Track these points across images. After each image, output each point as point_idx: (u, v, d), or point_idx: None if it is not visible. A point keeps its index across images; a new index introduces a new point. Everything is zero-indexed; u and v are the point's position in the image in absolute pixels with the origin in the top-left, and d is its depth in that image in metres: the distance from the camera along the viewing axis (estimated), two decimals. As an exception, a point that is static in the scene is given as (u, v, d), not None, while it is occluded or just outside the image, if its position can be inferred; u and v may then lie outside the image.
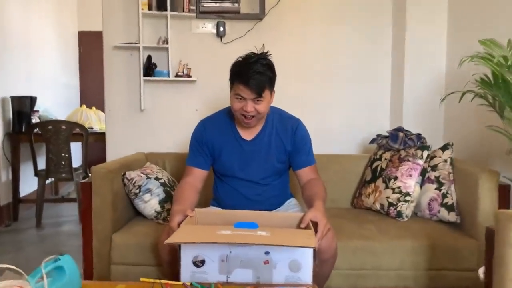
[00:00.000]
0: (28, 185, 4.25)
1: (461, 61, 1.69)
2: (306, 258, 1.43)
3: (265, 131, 1.94)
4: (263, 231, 1.46)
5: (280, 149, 1.94)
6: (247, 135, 1.93)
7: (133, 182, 2.26)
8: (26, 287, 1.15)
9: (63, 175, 3.86)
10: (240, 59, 1.81)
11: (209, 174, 2.00)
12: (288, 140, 1.94)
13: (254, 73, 1.72)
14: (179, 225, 1.57)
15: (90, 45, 5.99)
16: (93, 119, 4.53)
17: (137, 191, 2.26)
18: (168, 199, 2.32)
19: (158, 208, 2.28)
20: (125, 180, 2.27)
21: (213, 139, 1.95)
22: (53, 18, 5.29)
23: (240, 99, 1.77)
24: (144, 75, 2.90)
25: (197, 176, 1.93)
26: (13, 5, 4.22)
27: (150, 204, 2.28)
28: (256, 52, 1.83)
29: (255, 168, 1.94)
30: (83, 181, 2.23)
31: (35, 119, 4.10)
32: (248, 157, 1.93)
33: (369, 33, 3.11)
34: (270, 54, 1.83)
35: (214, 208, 2.03)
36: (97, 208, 2.12)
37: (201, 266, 1.45)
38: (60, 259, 1.28)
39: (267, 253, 1.44)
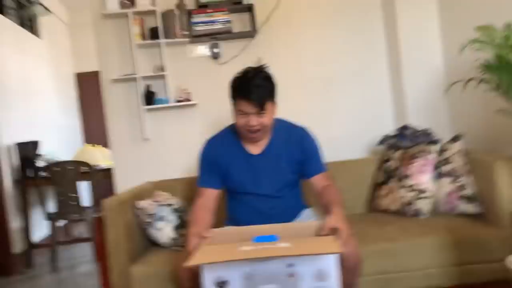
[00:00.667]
0: (39, 230, 4.21)
1: (462, 48, 1.67)
2: (331, 266, 1.39)
3: (273, 143, 1.91)
4: (284, 242, 1.42)
5: (290, 160, 1.92)
6: (254, 149, 1.91)
7: (145, 211, 2.23)
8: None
9: (74, 215, 3.82)
10: (239, 75, 1.81)
11: (221, 194, 1.97)
12: (297, 150, 1.92)
13: (253, 87, 1.72)
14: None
15: (88, 85, 6.05)
16: (98, 157, 4.53)
17: (150, 220, 2.23)
18: (182, 225, 2.28)
19: (173, 235, 2.24)
20: (137, 210, 2.24)
21: (221, 157, 1.93)
22: (49, 62, 5.36)
23: (243, 114, 1.76)
24: (145, 105, 2.90)
25: (209, 196, 1.90)
26: (9, 52, 4.27)
27: (164, 231, 2.24)
28: (253, 66, 1.83)
29: (267, 182, 1.91)
30: (94, 216, 2.20)
31: (40, 163, 4.09)
32: (258, 171, 1.90)
33: (361, 35, 3.11)
34: (267, 66, 1.82)
35: (226, 227, 1.99)
36: (112, 241, 2.09)
37: (224, 287, 1.40)
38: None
39: (290, 265, 1.39)
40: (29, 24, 5.19)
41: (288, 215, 1.95)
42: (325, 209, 1.77)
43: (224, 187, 1.99)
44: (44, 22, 5.38)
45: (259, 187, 1.91)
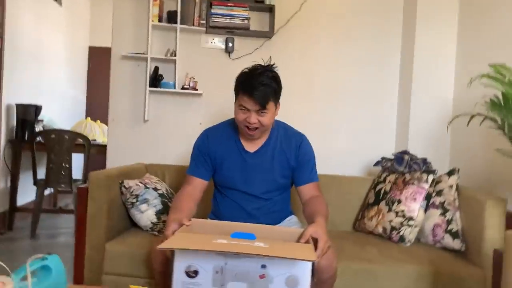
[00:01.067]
0: (27, 194, 4.20)
1: (471, 80, 1.65)
2: (304, 274, 1.36)
3: (269, 144, 1.90)
4: (261, 242, 1.40)
5: (283, 163, 1.90)
6: (250, 147, 1.90)
7: (131, 191, 2.21)
8: (9, 284, 1.09)
9: (62, 185, 3.81)
10: (246, 70, 1.80)
11: (209, 186, 1.95)
12: (292, 155, 1.90)
13: (259, 84, 1.70)
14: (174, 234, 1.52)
15: (99, 60, 6.04)
16: (97, 132, 4.52)
17: (134, 200, 2.21)
18: (165, 211, 2.26)
19: (154, 219, 2.22)
20: (123, 188, 2.22)
21: (216, 149, 1.91)
22: (65, 32, 5.36)
23: (244, 110, 1.75)
24: (150, 86, 2.89)
25: (197, 186, 1.89)
26: (27, 16, 4.28)
27: (146, 214, 2.22)
28: (263, 64, 1.81)
29: (257, 182, 1.89)
30: (80, 186, 2.19)
31: (38, 128, 4.08)
32: (250, 169, 1.89)
33: (377, 54, 3.11)
34: (276, 67, 1.81)
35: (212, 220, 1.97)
36: (92, 215, 2.07)
37: (194, 276, 1.38)
38: (47, 258, 1.23)
39: (263, 266, 1.37)
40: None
41: (273, 219, 1.93)
42: (308, 219, 1.74)
43: (212, 180, 1.97)
44: (67, -11, 5.39)
45: (248, 186, 1.90)
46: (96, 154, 3.93)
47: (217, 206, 2.00)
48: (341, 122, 3.12)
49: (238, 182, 1.90)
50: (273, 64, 1.82)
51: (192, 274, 1.38)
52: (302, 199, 1.90)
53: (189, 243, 1.37)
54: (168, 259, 1.54)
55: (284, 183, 1.94)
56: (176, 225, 1.57)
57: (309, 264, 1.36)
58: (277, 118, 2.01)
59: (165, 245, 1.32)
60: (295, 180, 1.92)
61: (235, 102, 1.80)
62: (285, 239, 1.58)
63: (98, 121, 4.68)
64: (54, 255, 1.26)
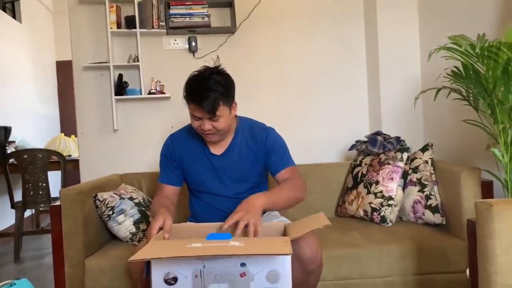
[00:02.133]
0: (7, 218, 4.11)
1: (430, 53, 1.65)
2: (284, 268, 1.35)
3: (235, 144, 1.85)
4: (236, 241, 1.38)
5: (252, 161, 1.85)
6: (216, 149, 1.85)
7: (106, 203, 2.17)
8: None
9: (42, 205, 3.73)
10: (192, 76, 1.72)
11: (183, 190, 1.92)
12: (260, 150, 1.85)
13: (206, 91, 1.63)
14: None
15: (68, 74, 5.90)
16: (72, 147, 4.44)
17: (110, 212, 2.16)
18: (143, 219, 2.22)
19: (133, 229, 2.18)
20: (97, 201, 2.17)
21: (182, 154, 1.88)
22: (28, 49, 5.24)
23: (197, 118, 1.70)
24: (116, 95, 2.83)
25: (169, 193, 1.86)
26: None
27: (124, 225, 2.18)
28: (211, 66, 1.75)
29: (229, 183, 1.86)
30: (53, 204, 2.13)
31: (10, 150, 3.99)
32: (220, 172, 1.85)
33: (342, 40, 3.10)
34: (223, 68, 1.75)
35: (189, 223, 1.94)
36: (68, 232, 2.02)
37: (174, 284, 1.36)
38: (15, 284, 1.19)
39: (243, 265, 1.35)
40: (10, 7, 5.09)
41: None
42: None
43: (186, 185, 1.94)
44: (26, 7, 5.28)
45: (221, 188, 1.87)
46: (72, 169, 3.86)
47: (193, 210, 1.97)
48: (314, 110, 3.11)
49: (209, 185, 1.87)
50: (219, 66, 1.76)
51: (171, 281, 1.35)
52: None
53: (162, 251, 1.34)
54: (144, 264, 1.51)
55: (257, 181, 1.90)
56: (160, 220, 1.53)
57: (288, 257, 1.35)
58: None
59: (137, 256, 1.29)
60: (270, 172, 1.88)
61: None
62: (267, 234, 1.57)
63: (73, 136, 4.59)
64: (23, 279, 1.23)
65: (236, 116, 1.89)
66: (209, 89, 1.63)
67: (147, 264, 1.41)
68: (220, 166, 1.84)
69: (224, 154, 1.85)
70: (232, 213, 1.53)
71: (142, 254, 1.31)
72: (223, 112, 1.68)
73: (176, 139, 1.92)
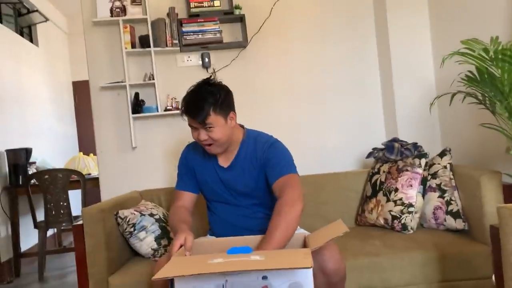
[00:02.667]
0: (30, 238, 4.18)
1: (443, 59, 1.65)
2: (306, 279, 1.35)
3: (239, 157, 1.85)
4: (257, 255, 1.38)
5: (255, 175, 1.82)
6: (224, 162, 1.87)
7: (127, 220, 2.20)
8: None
9: (64, 224, 3.79)
10: (189, 89, 1.78)
11: (200, 200, 1.95)
12: (262, 162, 1.81)
13: (196, 101, 1.70)
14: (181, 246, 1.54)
15: (85, 94, 6.02)
16: (91, 165, 4.51)
17: (132, 229, 2.19)
18: (164, 235, 2.25)
19: (155, 245, 2.20)
20: (119, 219, 2.20)
21: (195, 164, 1.92)
22: (45, 71, 5.37)
23: (194, 128, 1.75)
24: (133, 113, 2.88)
25: (186, 200, 1.89)
26: (5, 60, 4.28)
27: (146, 241, 2.20)
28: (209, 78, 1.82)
29: (237, 196, 1.87)
30: (75, 223, 2.17)
31: (31, 171, 4.07)
32: (227, 185, 1.87)
33: (354, 47, 3.10)
34: (213, 79, 1.80)
35: (209, 237, 1.95)
36: (91, 251, 2.05)
37: (197, 299, 1.36)
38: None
39: (265, 278, 1.35)
40: (27, 32, 5.23)
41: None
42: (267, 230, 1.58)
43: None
44: (42, 30, 5.42)
45: (230, 200, 1.88)
46: (92, 187, 3.91)
47: (210, 223, 1.99)
48: (329, 120, 3.11)
49: (219, 197, 1.89)
50: (210, 77, 1.83)
51: (194, 296, 1.36)
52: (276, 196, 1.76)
53: (185, 268, 1.35)
54: (168, 283, 1.52)
55: (263, 196, 1.86)
56: (181, 238, 1.55)
57: (310, 270, 1.35)
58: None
59: (160, 274, 1.30)
60: (268, 182, 1.80)
61: None
62: (288, 246, 1.58)
63: (91, 154, 4.67)
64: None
65: (243, 128, 1.91)
66: (200, 99, 1.69)
67: (171, 281, 1.42)
68: (226, 178, 1.86)
69: (230, 166, 1.86)
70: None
71: (164, 272, 1.33)
72: (215, 121, 1.70)
73: (191, 149, 1.97)
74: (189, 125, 1.76)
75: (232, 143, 1.83)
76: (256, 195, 1.86)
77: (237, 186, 1.85)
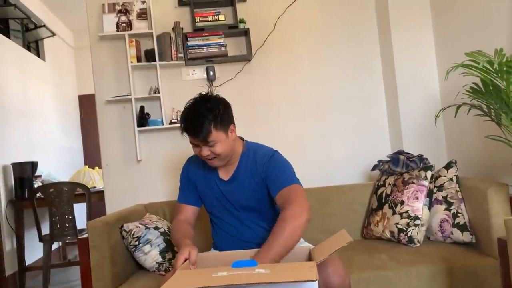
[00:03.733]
0: (34, 252, 4.17)
1: (447, 72, 1.65)
2: (311, 293, 1.34)
3: (239, 170, 1.84)
4: (262, 268, 1.37)
5: (256, 188, 1.81)
6: (224, 175, 1.86)
7: (132, 233, 2.19)
8: None
9: (68, 237, 3.78)
10: (187, 105, 1.76)
11: (204, 215, 1.94)
12: (262, 175, 1.80)
13: (195, 120, 1.67)
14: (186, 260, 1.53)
15: (90, 108, 6.07)
16: (96, 179, 4.52)
17: (136, 242, 2.18)
18: (169, 249, 2.24)
19: (159, 259, 2.19)
20: (123, 232, 2.20)
21: (196, 177, 1.92)
22: (51, 86, 5.43)
23: (195, 145, 1.74)
24: (138, 126, 2.89)
25: (188, 213, 1.89)
26: (11, 73, 4.33)
27: (150, 255, 2.19)
28: (206, 93, 1.79)
29: (238, 209, 1.86)
30: (80, 237, 2.17)
31: (37, 184, 4.08)
32: (228, 197, 1.86)
33: (358, 59, 3.11)
34: (211, 94, 1.78)
35: (213, 251, 1.94)
36: (96, 264, 2.05)
37: (202, 313, 1.35)
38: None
39: (270, 291, 1.35)
40: (34, 46, 5.30)
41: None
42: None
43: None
44: (49, 44, 5.49)
45: (231, 213, 1.87)
46: (97, 200, 3.91)
47: (213, 237, 1.98)
48: (334, 132, 3.10)
49: (221, 209, 1.88)
50: (208, 92, 1.80)
51: (199, 310, 1.35)
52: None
53: (189, 282, 1.34)
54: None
55: (264, 207, 1.85)
56: (185, 252, 1.55)
57: (315, 283, 1.33)
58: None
59: (165, 287, 1.30)
60: (271, 194, 1.78)
61: None
62: (292, 260, 1.57)
63: (97, 167, 4.68)
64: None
65: (243, 140, 1.91)
66: (199, 116, 1.67)
67: (176, 294, 1.41)
68: (226, 191, 1.85)
69: (230, 179, 1.85)
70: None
71: (169, 285, 1.32)
72: (217, 137, 1.69)
73: (192, 162, 1.97)
74: (191, 142, 1.75)
75: (232, 156, 1.83)
76: (257, 208, 1.85)
77: (238, 199, 1.84)
